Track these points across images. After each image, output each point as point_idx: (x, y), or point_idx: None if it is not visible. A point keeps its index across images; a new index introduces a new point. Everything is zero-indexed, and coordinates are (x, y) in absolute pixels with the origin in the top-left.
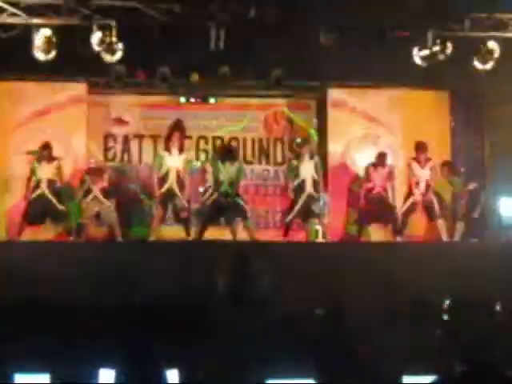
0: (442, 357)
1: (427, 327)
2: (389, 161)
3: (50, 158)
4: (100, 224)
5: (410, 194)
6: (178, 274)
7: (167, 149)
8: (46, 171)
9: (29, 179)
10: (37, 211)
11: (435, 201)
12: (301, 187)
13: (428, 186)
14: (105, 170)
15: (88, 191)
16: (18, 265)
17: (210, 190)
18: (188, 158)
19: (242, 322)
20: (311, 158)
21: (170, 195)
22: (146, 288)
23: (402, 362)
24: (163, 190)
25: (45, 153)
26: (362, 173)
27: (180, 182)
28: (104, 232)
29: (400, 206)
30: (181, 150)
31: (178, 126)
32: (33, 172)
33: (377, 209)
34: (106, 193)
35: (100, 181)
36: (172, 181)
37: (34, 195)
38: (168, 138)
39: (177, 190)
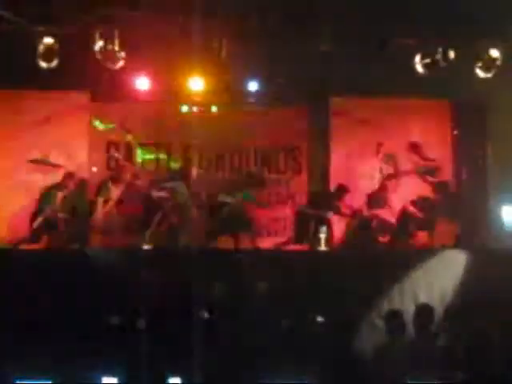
0: (444, 364)
1: (429, 335)
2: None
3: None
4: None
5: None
6: (178, 282)
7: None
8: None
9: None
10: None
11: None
12: None
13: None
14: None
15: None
16: (19, 273)
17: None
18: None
19: (243, 328)
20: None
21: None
22: (146, 297)
23: (404, 369)
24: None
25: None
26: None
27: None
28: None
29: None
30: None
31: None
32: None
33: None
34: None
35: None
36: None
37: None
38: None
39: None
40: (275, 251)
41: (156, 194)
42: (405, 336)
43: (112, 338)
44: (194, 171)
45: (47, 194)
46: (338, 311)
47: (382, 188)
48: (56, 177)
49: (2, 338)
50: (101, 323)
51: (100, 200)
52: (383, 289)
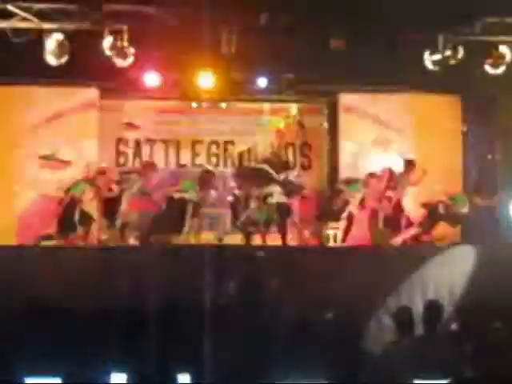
0: (453, 361)
1: (439, 332)
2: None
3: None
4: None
5: None
6: (187, 278)
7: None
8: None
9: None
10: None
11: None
12: None
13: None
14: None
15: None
16: (29, 269)
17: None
18: None
19: (253, 325)
20: None
21: None
22: (155, 292)
23: (413, 366)
24: None
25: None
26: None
27: None
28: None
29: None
30: None
31: None
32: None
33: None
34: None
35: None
36: None
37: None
38: None
39: None
40: (286, 248)
41: (177, 194)
42: (413, 333)
43: (122, 335)
44: None
45: (77, 187)
46: (348, 309)
47: (407, 171)
48: (65, 173)
49: (11, 334)
50: (112, 320)
51: (127, 194)
52: (393, 285)
